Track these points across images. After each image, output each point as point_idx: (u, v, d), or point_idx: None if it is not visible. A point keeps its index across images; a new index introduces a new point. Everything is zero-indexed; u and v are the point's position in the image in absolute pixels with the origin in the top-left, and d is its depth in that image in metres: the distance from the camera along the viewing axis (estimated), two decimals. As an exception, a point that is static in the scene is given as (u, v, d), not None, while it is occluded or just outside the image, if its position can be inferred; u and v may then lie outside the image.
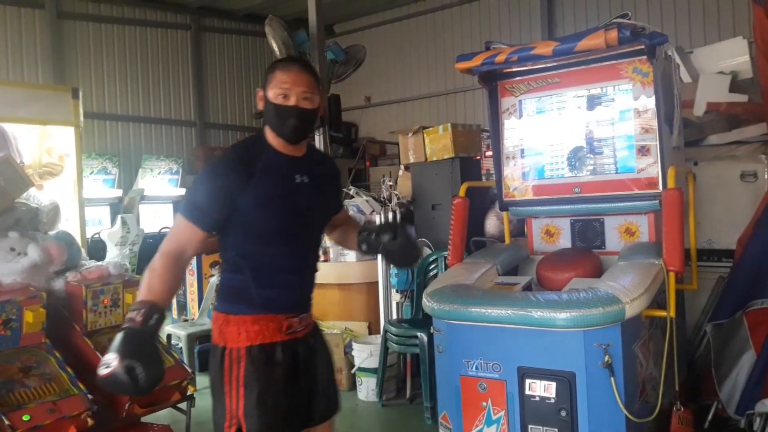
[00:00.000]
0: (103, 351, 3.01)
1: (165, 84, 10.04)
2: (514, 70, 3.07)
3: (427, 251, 4.57)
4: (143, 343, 1.63)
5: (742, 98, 4.74)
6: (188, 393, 3.08)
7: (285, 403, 1.86)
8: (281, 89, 1.83)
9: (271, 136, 1.90)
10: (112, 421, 2.84)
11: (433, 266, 4.30)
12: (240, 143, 1.96)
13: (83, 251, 3.62)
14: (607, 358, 2.15)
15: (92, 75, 9.13)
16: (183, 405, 3.12)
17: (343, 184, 6.69)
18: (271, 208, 1.84)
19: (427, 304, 2.50)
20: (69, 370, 2.79)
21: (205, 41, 10.61)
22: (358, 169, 9.73)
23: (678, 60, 5.84)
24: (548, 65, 2.97)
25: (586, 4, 8.99)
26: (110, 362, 1.57)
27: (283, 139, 1.88)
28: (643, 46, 2.68)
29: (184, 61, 10.29)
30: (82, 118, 3.98)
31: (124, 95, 9.50)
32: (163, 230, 8.69)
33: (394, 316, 4.40)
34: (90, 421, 2.63)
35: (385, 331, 4.02)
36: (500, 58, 2.91)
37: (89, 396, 2.69)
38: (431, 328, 2.56)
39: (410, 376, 4.20)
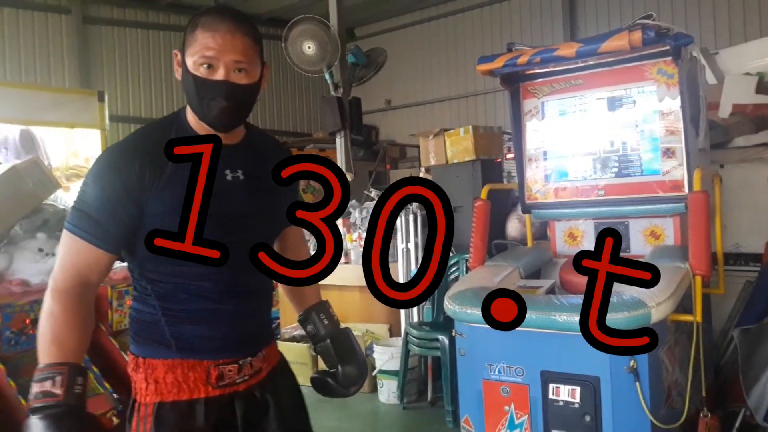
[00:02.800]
0: (127, 349, 3.10)
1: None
2: (537, 71, 3.05)
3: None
4: (77, 423, 1.23)
5: (768, 100, 4.66)
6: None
7: None
8: (204, 57, 1.30)
9: (193, 117, 1.39)
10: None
11: (454, 269, 4.28)
12: (149, 125, 1.44)
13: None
14: (632, 362, 2.13)
15: (117, 79, 9.29)
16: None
17: (363, 187, 6.71)
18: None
19: (449, 307, 2.49)
20: (95, 369, 2.83)
21: (228, 45, 10.74)
22: (378, 172, 9.74)
23: (703, 61, 5.78)
24: (571, 67, 2.95)
25: (608, 6, 8.91)
26: None
27: (208, 125, 1.36)
28: (667, 48, 2.65)
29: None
30: (107, 121, 4.05)
31: (149, 98, 9.65)
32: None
33: (415, 319, 4.40)
34: (115, 420, 2.67)
35: (406, 334, 4.01)
36: (522, 59, 2.89)
37: (114, 395, 2.73)
38: (453, 331, 2.55)
39: (431, 378, 4.19)
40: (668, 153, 2.80)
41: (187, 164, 1.24)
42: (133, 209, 1.30)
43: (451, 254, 4.56)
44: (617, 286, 2.41)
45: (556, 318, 2.18)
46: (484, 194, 3.13)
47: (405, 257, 4.52)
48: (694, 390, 2.45)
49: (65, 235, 1.32)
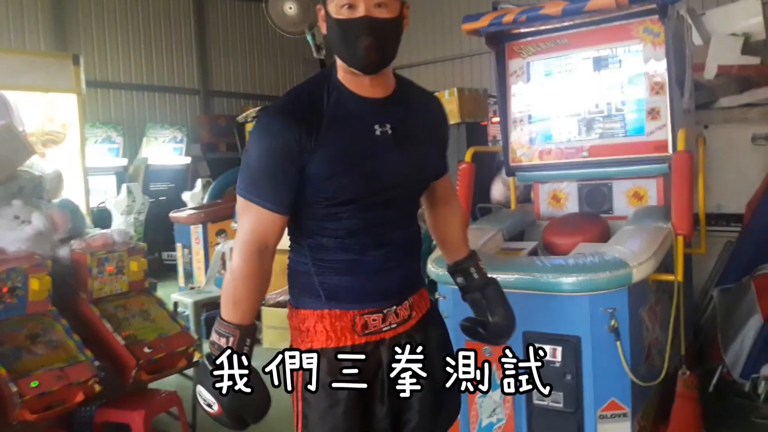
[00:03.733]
0: (110, 318, 3.09)
1: (168, 51, 9.94)
2: (523, 31, 3.00)
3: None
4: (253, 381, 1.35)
5: (754, 60, 4.64)
6: (194, 359, 3.10)
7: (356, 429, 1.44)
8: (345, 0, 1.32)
9: (342, 71, 1.40)
10: (119, 388, 2.86)
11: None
12: (301, 84, 1.46)
13: (87, 219, 3.60)
14: (613, 322, 2.14)
15: (95, 43, 9.05)
16: (190, 371, 3.14)
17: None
18: (339, 171, 1.36)
19: (432, 269, 2.48)
20: (75, 337, 2.80)
21: (209, 7, 10.46)
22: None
23: (689, 21, 5.72)
24: (557, 26, 2.90)
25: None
26: (211, 404, 1.36)
27: (357, 69, 1.37)
28: (654, 6, 2.61)
29: (187, 28, 10.18)
30: (84, 85, 3.94)
31: (127, 63, 9.43)
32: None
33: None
34: (97, 388, 2.65)
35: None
36: (508, 18, 2.84)
37: (96, 363, 2.70)
38: (436, 293, 2.55)
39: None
40: (653, 113, 2.77)
41: (337, 121, 1.36)
42: (296, 171, 1.36)
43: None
44: (599, 246, 2.44)
45: (539, 279, 2.19)
46: (468, 157, 3.10)
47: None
48: (673, 349, 2.48)
49: (240, 201, 1.40)
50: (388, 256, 1.46)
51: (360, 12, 1.32)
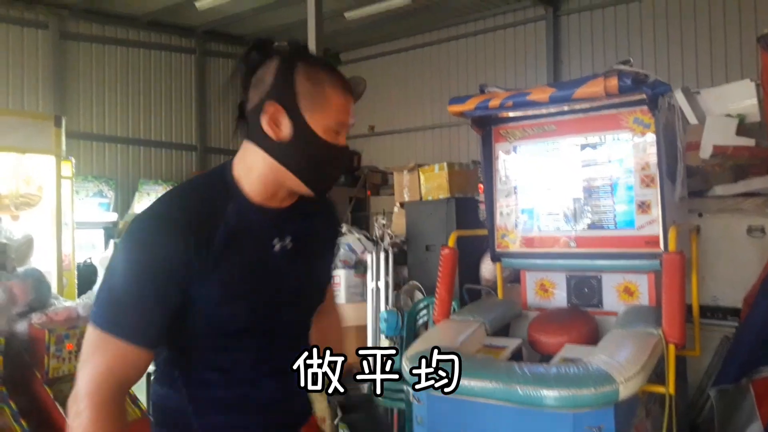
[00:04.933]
0: (64, 400, 2.88)
1: (167, 107, 9.98)
2: (510, 115, 2.92)
3: (418, 296, 4.39)
4: None
5: (749, 142, 4.58)
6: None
7: None
8: (340, 123, 1.17)
9: (247, 174, 1.20)
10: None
11: (423, 312, 4.11)
12: (189, 186, 1.25)
13: (53, 288, 3.45)
14: (599, 444, 1.96)
15: (93, 96, 9.09)
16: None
17: (343, 213, 6.48)
18: (236, 296, 1.16)
19: (406, 369, 2.31)
20: (23, 423, 2.60)
21: (210, 65, 10.57)
22: (358, 198, 9.59)
23: (684, 102, 5.72)
24: (544, 112, 2.82)
25: (592, 39, 8.90)
26: None
27: (312, 191, 1.22)
28: (644, 96, 2.53)
29: (187, 85, 10.25)
30: (64, 147, 3.87)
31: (125, 116, 9.44)
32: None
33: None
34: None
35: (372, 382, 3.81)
36: (494, 102, 2.76)
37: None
38: (411, 395, 2.37)
39: (396, 429, 3.98)
40: (643, 207, 2.66)
41: (236, 238, 1.15)
42: (176, 295, 1.12)
43: (420, 296, 4.39)
44: (583, 353, 2.28)
45: (518, 390, 2.01)
46: (451, 242, 2.97)
47: (374, 297, 4.33)
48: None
49: (95, 334, 1.10)
50: (284, 384, 1.25)
51: (341, 140, 1.19)
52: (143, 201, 8.84)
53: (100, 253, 8.15)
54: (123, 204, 8.83)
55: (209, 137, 10.55)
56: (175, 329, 1.15)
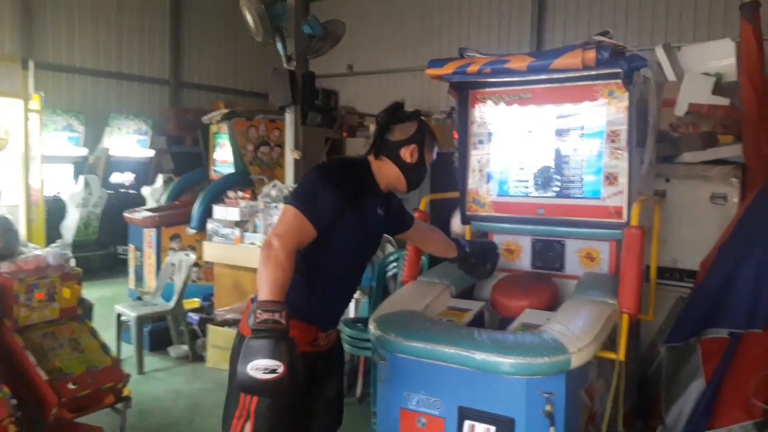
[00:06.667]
0: (35, 349, 2.92)
1: (140, 38, 9.65)
2: (487, 80, 2.91)
3: (389, 248, 4.46)
4: (294, 348, 1.74)
5: (724, 101, 4.64)
6: (123, 395, 2.97)
7: (294, 410, 1.96)
8: (432, 157, 2.21)
9: (378, 172, 2.12)
10: (38, 426, 2.71)
11: (393, 265, 4.19)
12: (352, 163, 2.15)
13: (22, 236, 3.42)
14: (548, 406, 2.07)
15: (62, 25, 8.72)
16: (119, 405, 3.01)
17: (319, 155, 6.47)
18: (359, 231, 2.04)
19: (372, 330, 2.39)
20: (-6, 369, 2.65)
21: (185, -5, 10.17)
22: (335, 140, 9.51)
23: (664, 58, 5.72)
24: (522, 80, 2.82)
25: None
26: (276, 368, 1.67)
27: (408, 190, 2.18)
28: (620, 70, 2.54)
29: (162, 15, 9.87)
30: (32, 90, 3.75)
31: (96, 48, 9.11)
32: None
33: (352, 314, 4.31)
34: (13, 428, 2.51)
35: (339, 330, 3.92)
36: (473, 68, 2.75)
37: (13, 401, 2.55)
38: (374, 354, 2.46)
39: (362, 374, 4.14)
40: (610, 178, 2.72)
41: (364, 200, 2.08)
42: (336, 214, 1.96)
43: (391, 249, 4.46)
44: (542, 319, 2.38)
45: (476, 357, 2.11)
46: (422, 206, 3.01)
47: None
48: (611, 420, 2.44)
49: (292, 211, 1.91)
50: (346, 297, 2.22)
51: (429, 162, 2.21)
52: (114, 136, 8.66)
53: (69, 188, 8.04)
54: (93, 139, 8.64)
55: (183, 71, 10.27)
56: (317, 240, 1.94)
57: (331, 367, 2.18)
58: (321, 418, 2.14)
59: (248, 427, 1.92)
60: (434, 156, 2.22)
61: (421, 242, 2.67)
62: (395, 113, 2.16)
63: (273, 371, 1.67)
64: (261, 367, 1.67)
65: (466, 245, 2.70)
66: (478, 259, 2.72)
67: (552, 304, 2.66)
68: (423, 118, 2.26)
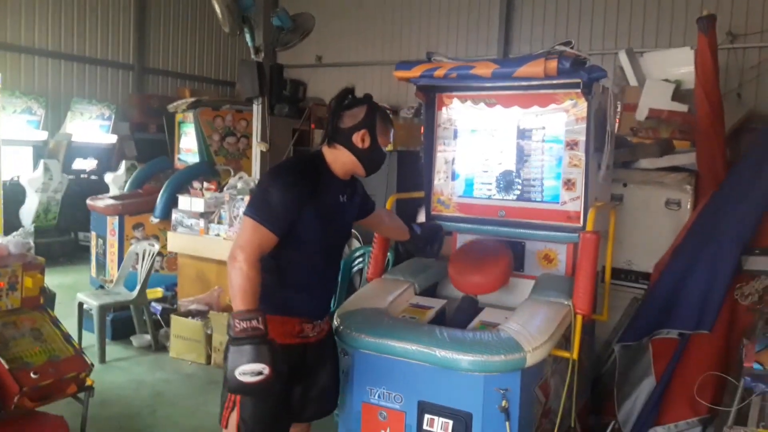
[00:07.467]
0: (-3, 335, 2.89)
1: (103, 21, 9.43)
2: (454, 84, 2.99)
3: (355, 244, 4.52)
4: (276, 349, 1.86)
5: (683, 108, 4.84)
6: (86, 384, 2.97)
7: (275, 398, 2.06)
8: (385, 142, 2.23)
9: (334, 161, 2.18)
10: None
11: (359, 260, 4.26)
12: (303, 159, 2.22)
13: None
14: (504, 402, 2.17)
15: (22, 5, 8.47)
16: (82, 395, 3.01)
17: (286, 146, 6.48)
18: (322, 222, 2.11)
19: (337, 326, 2.45)
20: (-46, 359, 2.62)
21: (152, -22, 9.98)
22: (302, 131, 9.48)
23: (627, 63, 5.90)
24: (487, 85, 2.90)
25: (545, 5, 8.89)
26: (262, 370, 1.80)
27: (366, 173, 2.24)
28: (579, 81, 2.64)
29: (126, -2, 9.67)
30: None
31: (57, 29, 8.87)
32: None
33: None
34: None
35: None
36: (439, 72, 2.82)
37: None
38: (339, 349, 2.53)
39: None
40: (569, 184, 2.83)
41: (324, 190, 2.13)
42: (295, 212, 2.04)
43: (357, 244, 4.52)
44: (500, 318, 2.48)
45: (436, 354, 2.20)
46: (389, 205, 3.09)
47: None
48: (564, 416, 2.56)
49: (249, 222, 2.00)
50: (325, 285, 2.30)
51: (388, 148, 2.29)
52: (76, 121, 8.48)
53: (28, 173, 7.85)
54: (54, 122, 8.45)
55: (148, 57, 10.08)
56: (285, 234, 2.02)
57: (325, 355, 2.29)
58: (315, 403, 2.27)
59: (234, 415, 2.08)
60: (390, 139, 2.26)
61: (379, 227, 2.77)
62: (344, 100, 2.18)
63: (259, 373, 1.80)
64: (248, 371, 1.80)
65: (417, 228, 2.82)
66: (426, 241, 2.81)
67: (505, 278, 2.78)
68: (388, 110, 2.32)
